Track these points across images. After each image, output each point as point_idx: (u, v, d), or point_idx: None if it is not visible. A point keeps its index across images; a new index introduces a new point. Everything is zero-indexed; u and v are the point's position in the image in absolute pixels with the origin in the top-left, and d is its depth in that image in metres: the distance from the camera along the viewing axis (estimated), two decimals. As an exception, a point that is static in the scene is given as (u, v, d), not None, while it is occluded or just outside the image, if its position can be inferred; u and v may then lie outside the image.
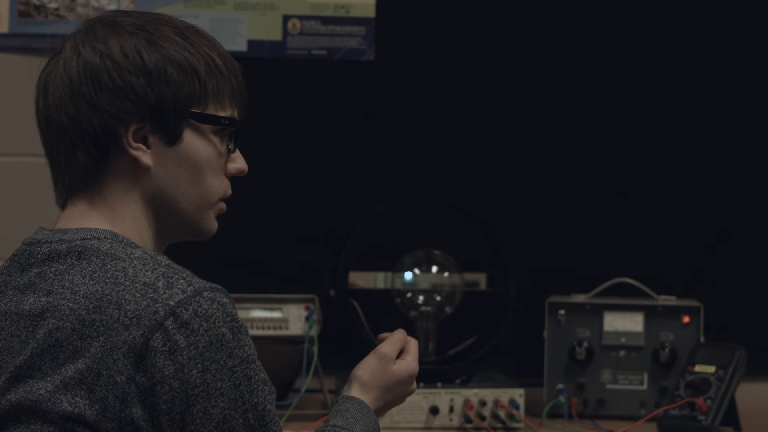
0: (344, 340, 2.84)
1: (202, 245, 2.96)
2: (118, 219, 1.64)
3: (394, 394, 1.87)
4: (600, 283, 2.94)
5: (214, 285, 1.54)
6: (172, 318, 1.48)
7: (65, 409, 1.47)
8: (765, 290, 3.08)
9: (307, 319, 2.79)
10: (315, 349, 2.75)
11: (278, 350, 2.80)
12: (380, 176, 3.06)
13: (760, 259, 3.10)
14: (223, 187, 1.73)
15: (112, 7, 3.04)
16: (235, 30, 3.06)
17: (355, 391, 1.85)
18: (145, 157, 1.63)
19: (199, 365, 1.48)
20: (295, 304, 2.81)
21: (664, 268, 3.07)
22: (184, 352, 1.48)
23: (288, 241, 3.05)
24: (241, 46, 3.06)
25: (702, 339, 2.84)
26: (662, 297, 2.90)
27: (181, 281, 1.52)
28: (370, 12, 3.08)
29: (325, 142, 3.07)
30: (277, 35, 3.07)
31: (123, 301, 1.50)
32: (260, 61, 3.06)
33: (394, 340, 1.89)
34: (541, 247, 3.08)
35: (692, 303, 2.86)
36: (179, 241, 1.72)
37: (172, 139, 1.64)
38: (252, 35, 3.07)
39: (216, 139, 1.69)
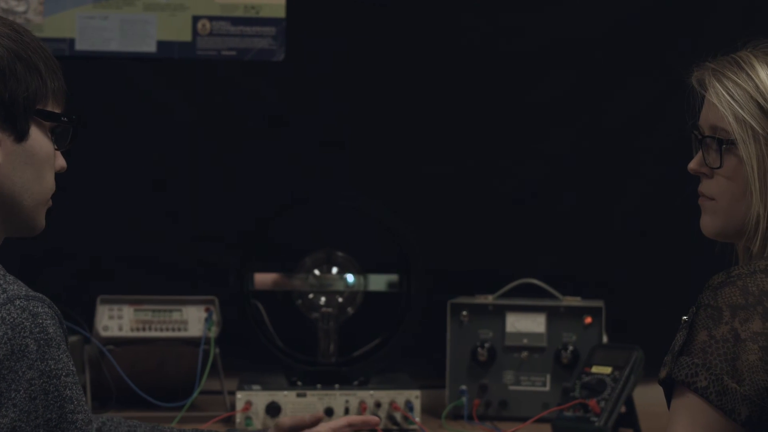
0: (247, 341, 2.83)
1: (107, 243, 2.99)
2: None
3: None
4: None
5: (33, 294, 1.53)
6: None
7: None
8: (674, 292, 3.05)
9: (207, 320, 2.78)
10: (212, 350, 2.74)
11: (178, 351, 2.80)
12: (289, 177, 3.05)
13: (671, 260, 3.08)
14: (53, 183, 1.73)
15: (21, 9, 3.04)
16: (145, 31, 3.05)
17: None
18: None
19: None
20: (195, 305, 2.81)
21: (574, 268, 3.05)
22: None
23: (192, 241, 3.04)
24: (151, 47, 3.06)
25: (605, 339, 2.82)
26: (567, 298, 2.88)
27: None
28: (281, 12, 3.07)
29: (234, 142, 3.06)
30: (186, 36, 3.06)
31: None
32: (170, 62, 3.05)
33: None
34: (450, 247, 3.07)
35: (594, 303, 2.84)
36: (8, 236, 1.71)
37: (21, 135, 1.64)
38: (161, 36, 3.06)
39: (51, 137, 1.69)
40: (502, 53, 3.08)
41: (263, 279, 2.87)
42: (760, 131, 1.76)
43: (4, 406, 1.47)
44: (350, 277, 2.88)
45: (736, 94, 1.79)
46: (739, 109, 1.78)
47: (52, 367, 1.51)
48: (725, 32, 3.10)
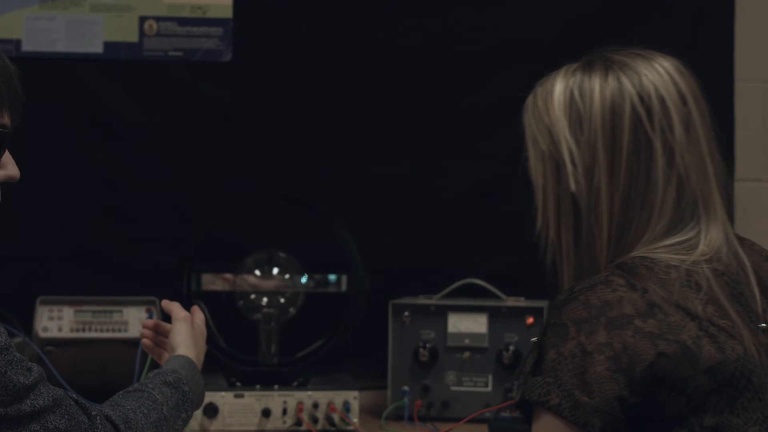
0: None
1: (50, 244, 2.99)
2: None
3: (201, 344, 2.06)
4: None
5: None
6: None
7: None
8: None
9: (147, 321, 2.78)
10: (150, 351, 2.73)
11: (119, 352, 2.80)
12: (238, 177, 3.05)
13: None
14: None
15: (-32, 9, 3.04)
16: (92, 32, 3.05)
17: (181, 351, 1.99)
18: None
19: None
20: (136, 306, 2.81)
21: (520, 269, 3.03)
22: None
23: (137, 241, 3.03)
24: (98, 48, 3.05)
25: (547, 340, 2.80)
26: (511, 298, 2.87)
27: None
28: (228, 13, 3.07)
29: (180, 142, 3.06)
30: (133, 37, 3.06)
31: None
32: (116, 63, 3.05)
33: (178, 306, 2.08)
34: (395, 248, 3.06)
35: (537, 304, 2.83)
36: None
37: None
38: (108, 37, 3.06)
39: None
40: (449, 53, 3.08)
41: (211, 279, 2.87)
42: (544, 148, 1.76)
43: None
44: (304, 278, 2.88)
45: (533, 109, 1.79)
46: (532, 124, 1.78)
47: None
48: (677, 32, 3.10)
